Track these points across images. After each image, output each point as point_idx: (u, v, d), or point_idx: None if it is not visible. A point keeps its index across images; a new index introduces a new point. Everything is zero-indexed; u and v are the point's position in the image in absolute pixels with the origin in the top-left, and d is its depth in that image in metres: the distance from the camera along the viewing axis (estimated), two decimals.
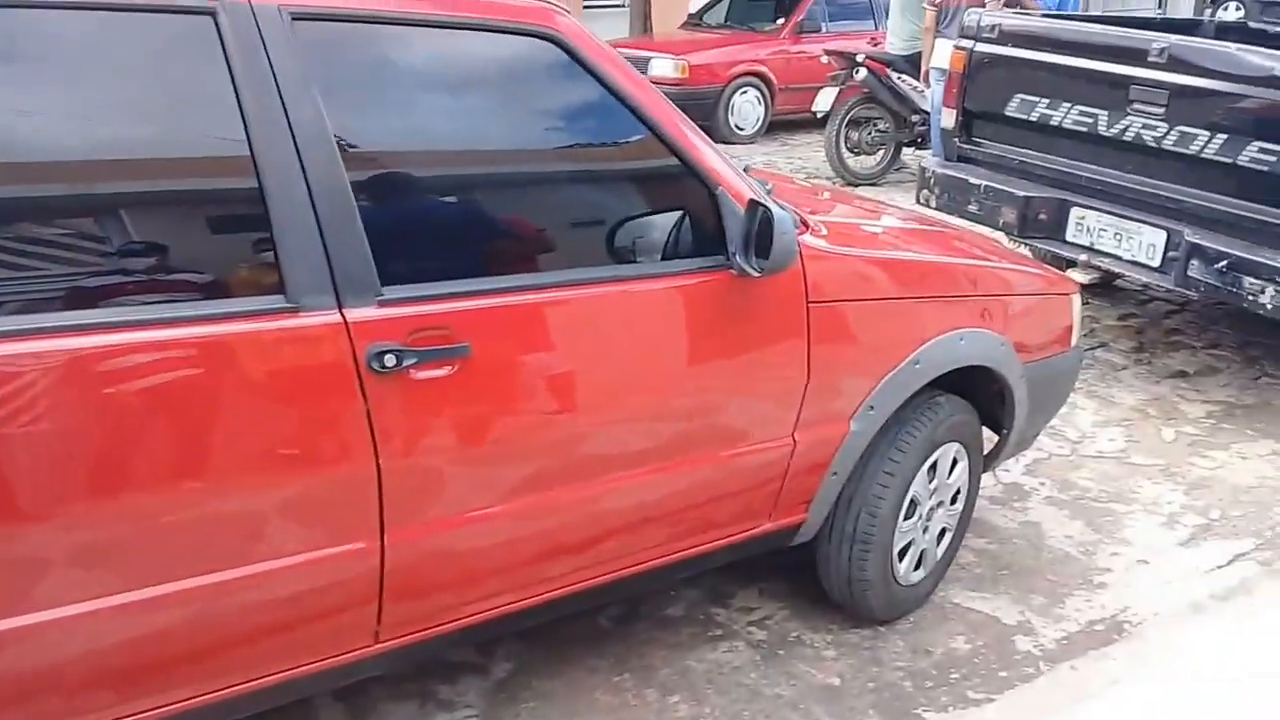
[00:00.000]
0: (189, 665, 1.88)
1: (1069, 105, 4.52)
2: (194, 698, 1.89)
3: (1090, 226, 4.48)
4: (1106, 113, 4.38)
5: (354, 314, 1.86)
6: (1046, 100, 4.59)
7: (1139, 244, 4.31)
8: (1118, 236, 4.39)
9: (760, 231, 2.17)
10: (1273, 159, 3.86)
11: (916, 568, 2.96)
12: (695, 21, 11.97)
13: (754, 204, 2.19)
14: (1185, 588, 3.24)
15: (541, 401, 2.12)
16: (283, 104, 1.80)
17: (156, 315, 1.74)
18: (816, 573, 2.91)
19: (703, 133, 2.32)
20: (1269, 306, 3.92)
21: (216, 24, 1.77)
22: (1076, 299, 3.22)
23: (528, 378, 2.09)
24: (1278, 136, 3.85)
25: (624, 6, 13.48)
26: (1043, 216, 4.62)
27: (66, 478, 1.67)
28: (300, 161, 1.80)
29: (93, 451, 1.69)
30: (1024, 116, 4.72)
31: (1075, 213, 4.53)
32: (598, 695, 2.67)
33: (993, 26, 4.85)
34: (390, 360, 1.87)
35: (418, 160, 2.12)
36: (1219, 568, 3.35)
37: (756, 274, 2.19)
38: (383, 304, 1.89)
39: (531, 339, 2.09)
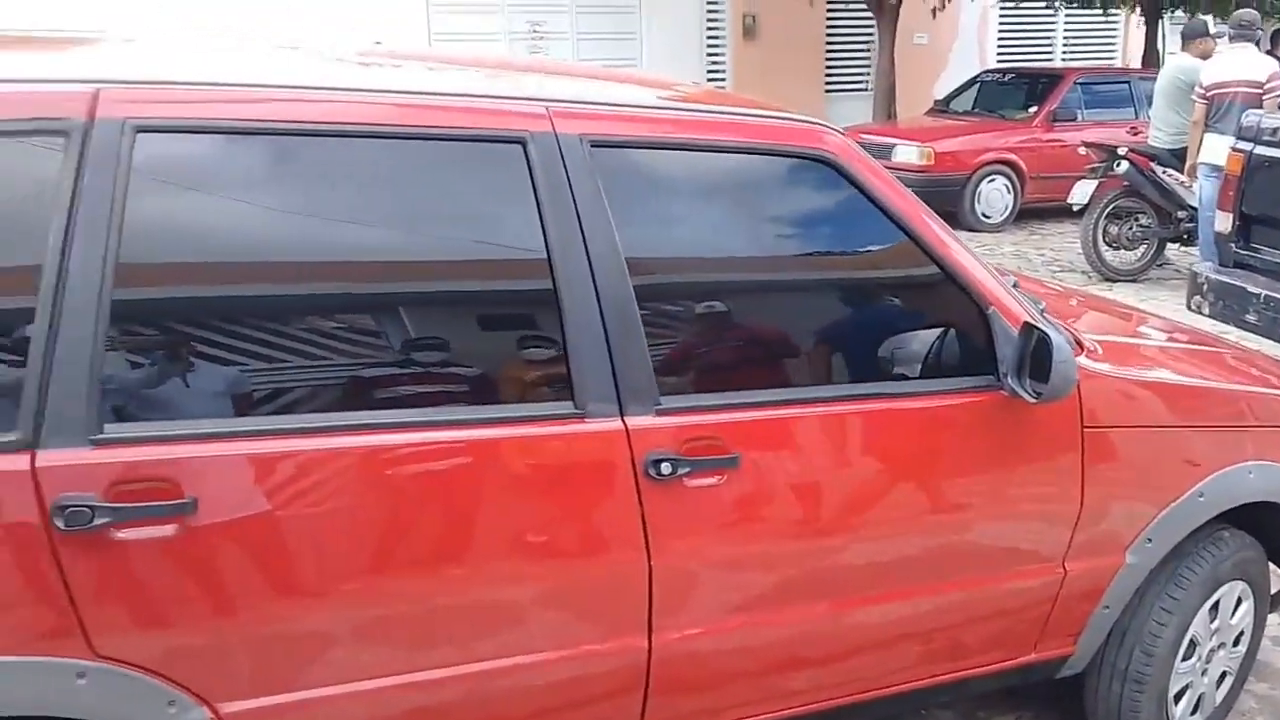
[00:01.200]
0: None
1: None
2: None
3: None
4: None
5: (634, 422, 1.94)
6: None
7: None
8: None
9: (1036, 356, 2.12)
10: None
11: (1193, 712, 2.75)
12: (941, 108, 11.85)
13: (1029, 327, 2.14)
14: None
15: (805, 514, 2.13)
16: (580, 224, 1.91)
17: (458, 417, 1.88)
18: (1082, 705, 2.75)
19: (973, 250, 2.30)
20: None
21: (526, 151, 1.91)
22: None
23: (792, 490, 2.10)
24: None
25: (867, 90, 13.51)
26: None
27: (371, 562, 1.81)
28: (593, 277, 1.91)
29: (395, 540, 1.83)
30: None
31: None
32: None
33: (1274, 129, 4.58)
34: (666, 468, 1.93)
35: (694, 276, 2.20)
36: None
37: (1032, 400, 2.14)
38: (660, 413, 1.96)
39: (797, 452, 2.11)
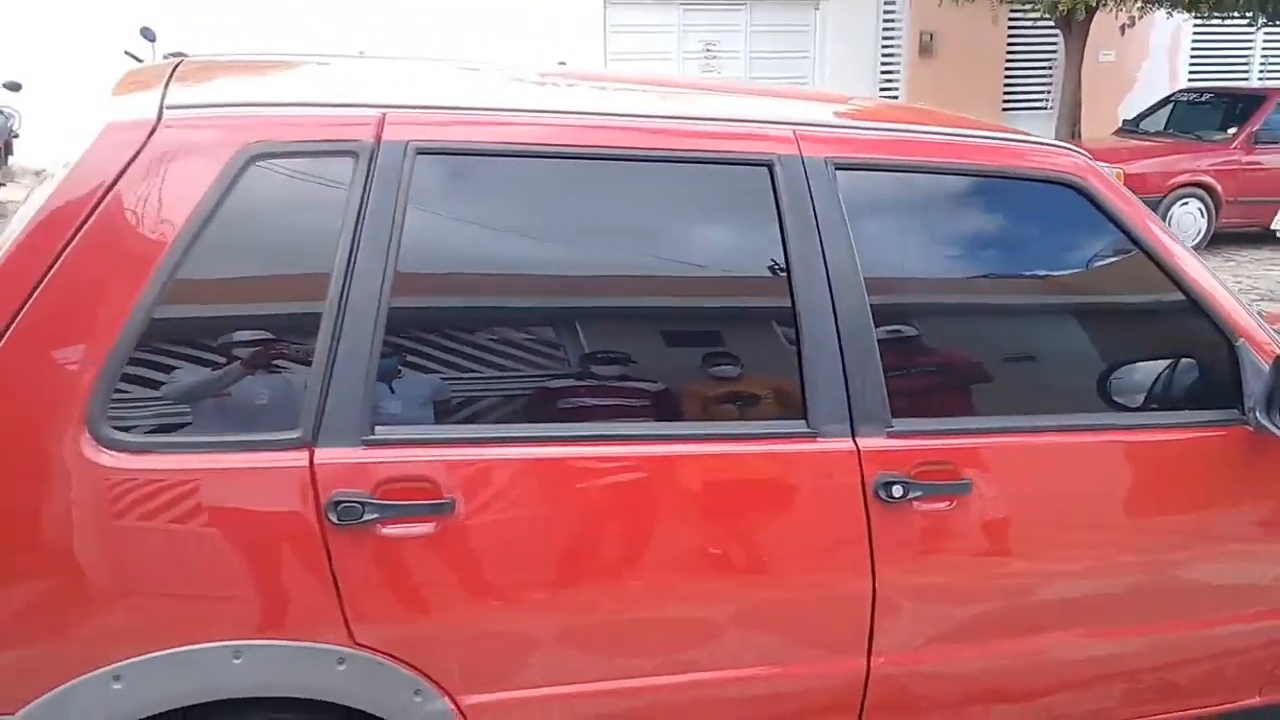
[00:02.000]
0: None
1: None
2: None
3: None
4: None
5: (866, 443, 1.95)
6: None
7: None
8: None
9: None
10: None
11: None
12: (1131, 128, 11.39)
13: None
14: None
15: (1032, 544, 2.10)
16: (821, 245, 1.94)
17: (696, 432, 1.93)
18: None
19: (1220, 278, 2.22)
20: None
21: (772, 173, 1.94)
22: None
23: (1020, 520, 2.07)
24: None
25: (1047, 109, 13.10)
26: None
27: (610, 569, 1.88)
28: (832, 298, 1.93)
29: (634, 548, 1.89)
30: None
31: None
32: None
33: None
34: (897, 491, 1.93)
35: (927, 299, 2.20)
36: None
37: None
38: (892, 435, 1.96)
39: (1028, 481, 2.07)
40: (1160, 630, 2.23)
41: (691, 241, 2.02)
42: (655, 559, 1.90)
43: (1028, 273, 2.31)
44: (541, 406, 1.93)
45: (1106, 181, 2.15)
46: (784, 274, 1.93)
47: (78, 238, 1.64)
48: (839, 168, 1.98)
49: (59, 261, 1.63)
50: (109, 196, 1.66)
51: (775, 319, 2.00)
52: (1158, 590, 2.20)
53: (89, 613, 1.66)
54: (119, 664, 1.66)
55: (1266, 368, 2.07)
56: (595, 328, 1.98)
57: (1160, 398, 2.22)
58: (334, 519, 1.70)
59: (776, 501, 1.95)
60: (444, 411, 1.87)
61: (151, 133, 1.69)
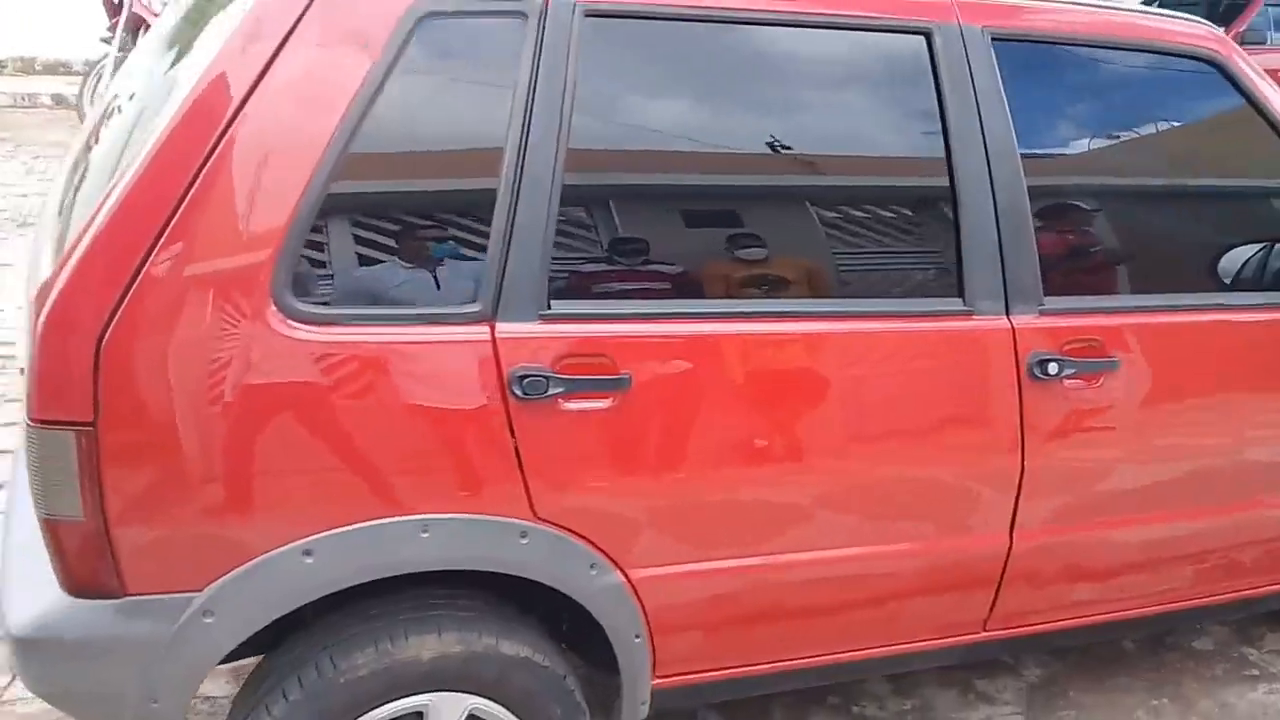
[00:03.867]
0: (844, 624, 2.08)
1: None
2: (831, 654, 2.09)
3: None
4: None
5: (1019, 321, 1.96)
6: None
7: None
8: None
9: None
10: None
11: None
12: None
13: None
14: None
15: (1175, 422, 2.16)
16: (979, 119, 1.92)
17: (856, 309, 1.92)
18: None
19: None
20: None
21: (930, 42, 1.91)
22: None
23: (1165, 397, 2.11)
24: None
25: None
26: None
27: (776, 447, 1.90)
28: (990, 174, 1.92)
29: (792, 425, 1.90)
30: None
31: None
32: (1137, 714, 2.64)
33: None
34: (1052, 368, 1.96)
35: (1075, 176, 2.20)
36: None
37: None
38: (1044, 314, 1.98)
39: (1170, 360, 2.11)
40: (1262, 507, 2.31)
41: (850, 113, 1.99)
42: (819, 435, 1.91)
43: (1169, 150, 2.31)
44: (710, 283, 1.91)
45: (1244, 59, 2.15)
46: (942, 149, 1.92)
47: (247, 104, 1.57)
48: (996, 38, 1.95)
49: (227, 133, 1.57)
50: (277, 60, 1.59)
51: (932, 195, 1.99)
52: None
53: (279, 488, 1.64)
54: (310, 538, 1.65)
55: None
56: (758, 203, 1.96)
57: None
58: (518, 393, 1.69)
59: (931, 378, 1.96)
60: (620, 288, 1.84)
61: None
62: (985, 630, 2.18)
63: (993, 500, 2.04)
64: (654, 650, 1.92)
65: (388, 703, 1.77)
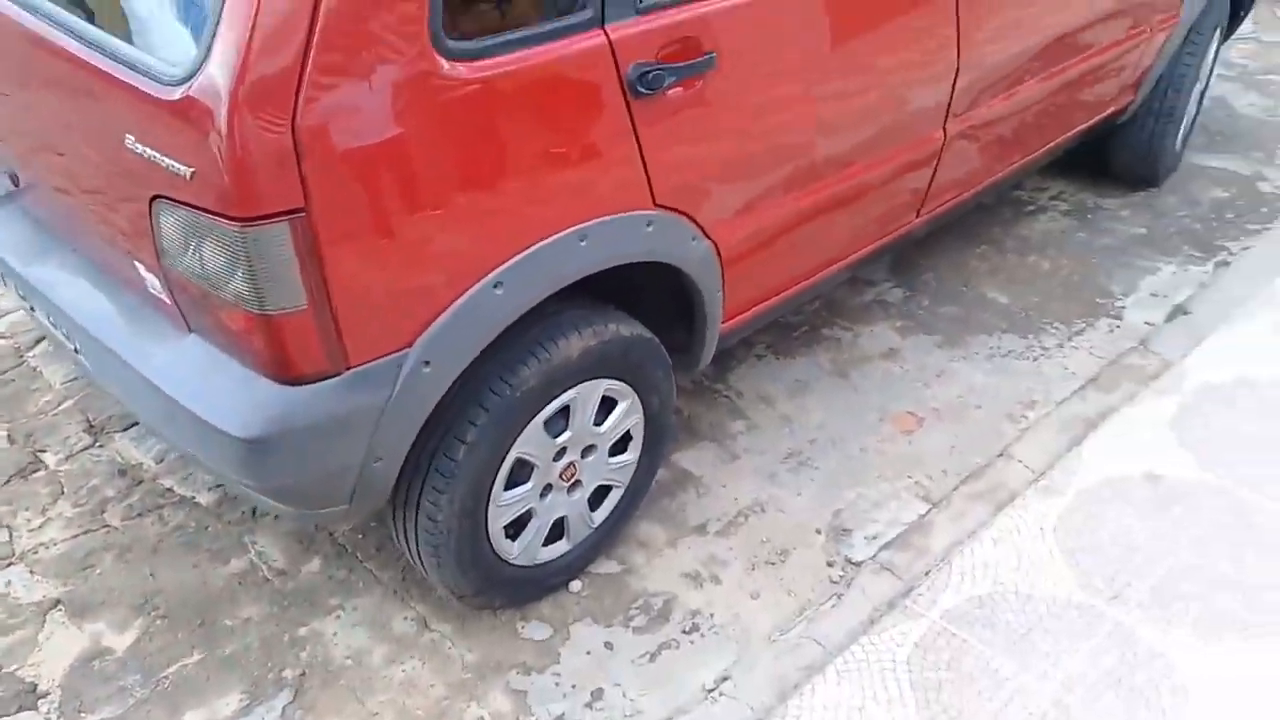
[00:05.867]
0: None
1: None
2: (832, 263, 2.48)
3: None
4: None
5: None
6: None
7: None
8: None
9: None
10: None
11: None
12: None
13: None
14: None
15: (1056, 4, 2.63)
16: None
17: None
18: (1109, 150, 3.50)
19: None
20: None
21: None
22: None
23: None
24: None
25: None
26: None
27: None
28: None
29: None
30: None
31: None
32: (972, 262, 3.29)
33: None
34: None
35: None
36: None
37: None
38: None
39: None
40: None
41: None
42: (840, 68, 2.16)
43: None
44: None
45: None
46: None
47: None
48: None
49: None
50: None
51: None
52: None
53: (466, 228, 1.64)
54: (497, 270, 1.70)
55: None
56: None
57: None
58: (639, 88, 1.77)
59: None
60: None
61: None
62: (919, 216, 2.64)
63: (936, 103, 2.42)
64: (725, 298, 2.19)
65: (549, 403, 1.92)
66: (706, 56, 1.85)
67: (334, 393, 1.62)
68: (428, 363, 1.68)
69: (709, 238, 2.04)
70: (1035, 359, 2.86)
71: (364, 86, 1.48)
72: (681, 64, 1.82)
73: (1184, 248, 3.35)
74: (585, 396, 1.99)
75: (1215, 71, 3.79)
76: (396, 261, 1.59)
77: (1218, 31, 3.41)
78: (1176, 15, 3.10)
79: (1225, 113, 4.11)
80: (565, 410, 1.98)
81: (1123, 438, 2.50)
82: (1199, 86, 3.49)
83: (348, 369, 1.62)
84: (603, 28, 1.73)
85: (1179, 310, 3.03)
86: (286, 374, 1.59)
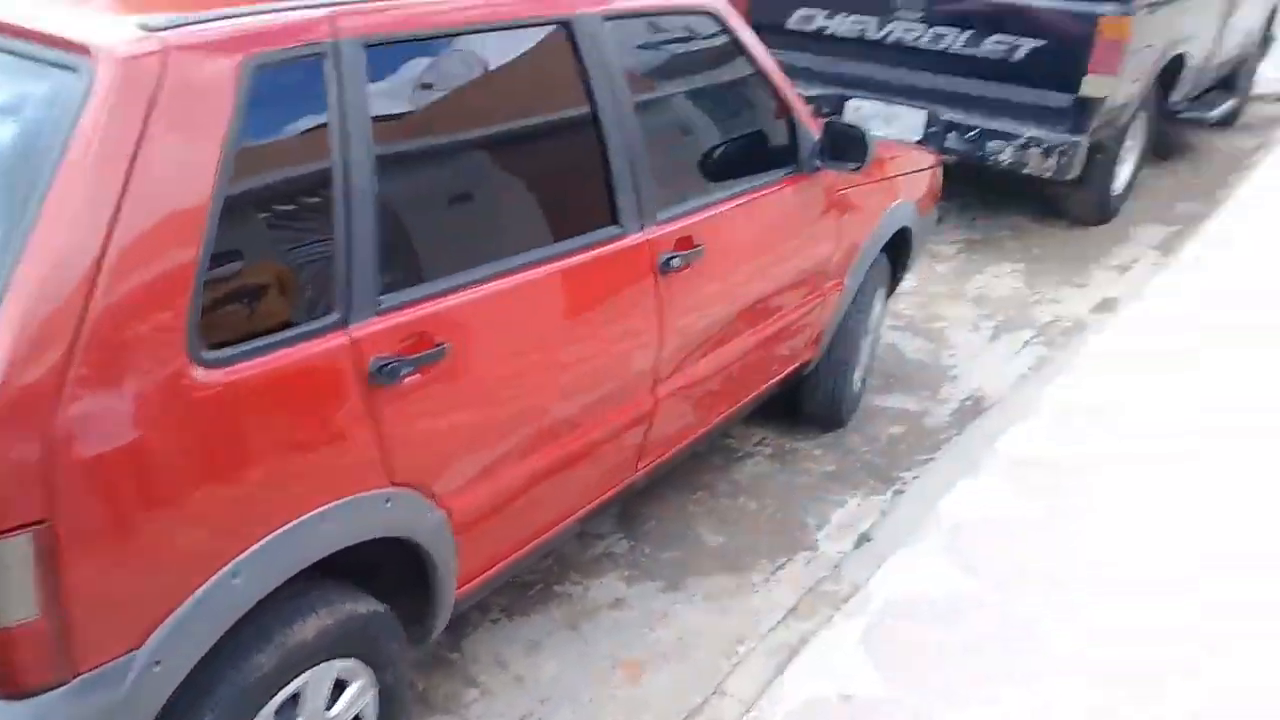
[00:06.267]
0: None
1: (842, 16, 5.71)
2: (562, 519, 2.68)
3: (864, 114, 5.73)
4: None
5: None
6: (824, 12, 5.75)
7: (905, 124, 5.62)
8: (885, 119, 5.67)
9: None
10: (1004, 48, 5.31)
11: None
12: None
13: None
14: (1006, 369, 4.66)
15: (745, 282, 3.06)
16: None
17: None
18: (800, 397, 3.93)
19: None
20: (1006, 163, 5.41)
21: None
22: None
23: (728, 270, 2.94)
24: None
25: None
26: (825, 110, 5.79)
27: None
28: None
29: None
30: (803, 29, 5.85)
31: (851, 104, 5.76)
32: (690, 507, 3.57)
33: None
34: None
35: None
36: (1017, 353, 4.81)
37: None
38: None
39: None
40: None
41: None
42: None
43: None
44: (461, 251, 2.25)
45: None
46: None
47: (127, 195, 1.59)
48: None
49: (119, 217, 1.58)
50: (143, 142, 1.61)
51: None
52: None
53: (203, 524, 1.72)
54: (234, 561, 1.76)
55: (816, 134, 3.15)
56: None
57: None
58: (378, 379, 1.94)
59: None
60: (419, 270, 2.15)
61: (165, 60, 1.64)
62: (638, 470, 2.89)
63: (642, 370, 2.72)
64: (459, 564, 2.30)
65: (281, 690, 1.94)
66: (439, 347, 2.06)
67: (60, 703, 1.60)
68: (158, 662, 1.69)
69: (442, 507, 2.18)
70: (746, 595, 3.12)
71: (119, 394, 1.58)
72: (416, 355, 2.02)
73: (868, 480, 3.78)
74: (318, 680, 2.03)
75: (886, 322, 4.37)
76: (135, 562, 1.65)
77: (880, 290, 3.98)
78: (842, 281, 3.60)
79: (896, 358, 4.71)
80: (296, 698, 1.99)
81: (819, 660, 2.77)
82: (869, 338, 4.01)
83: (74, 676, 1.61)
84: (346, 329, 1.89)
85: (864, 537, 3.41)
86: (9, 689, 1.56)
